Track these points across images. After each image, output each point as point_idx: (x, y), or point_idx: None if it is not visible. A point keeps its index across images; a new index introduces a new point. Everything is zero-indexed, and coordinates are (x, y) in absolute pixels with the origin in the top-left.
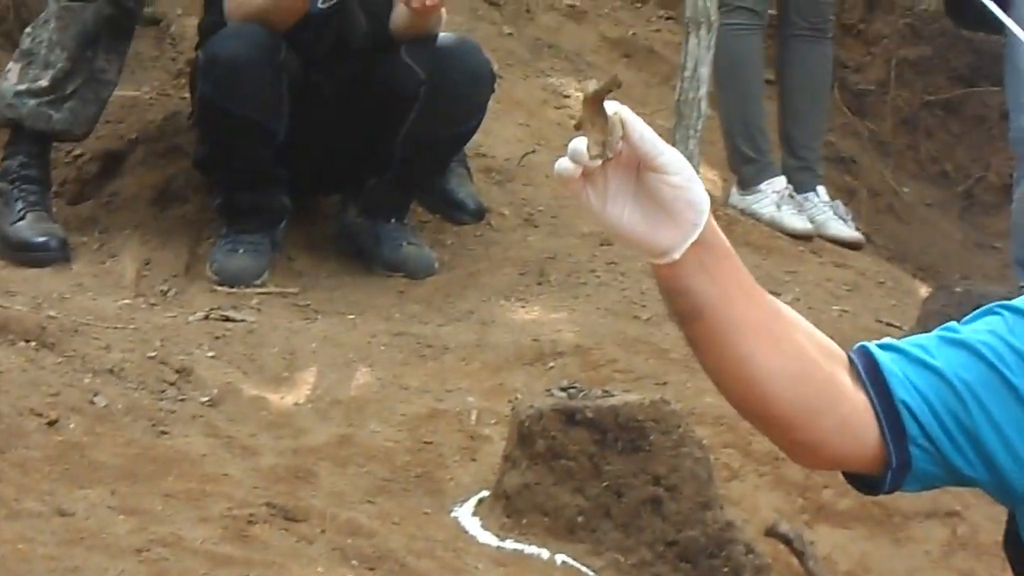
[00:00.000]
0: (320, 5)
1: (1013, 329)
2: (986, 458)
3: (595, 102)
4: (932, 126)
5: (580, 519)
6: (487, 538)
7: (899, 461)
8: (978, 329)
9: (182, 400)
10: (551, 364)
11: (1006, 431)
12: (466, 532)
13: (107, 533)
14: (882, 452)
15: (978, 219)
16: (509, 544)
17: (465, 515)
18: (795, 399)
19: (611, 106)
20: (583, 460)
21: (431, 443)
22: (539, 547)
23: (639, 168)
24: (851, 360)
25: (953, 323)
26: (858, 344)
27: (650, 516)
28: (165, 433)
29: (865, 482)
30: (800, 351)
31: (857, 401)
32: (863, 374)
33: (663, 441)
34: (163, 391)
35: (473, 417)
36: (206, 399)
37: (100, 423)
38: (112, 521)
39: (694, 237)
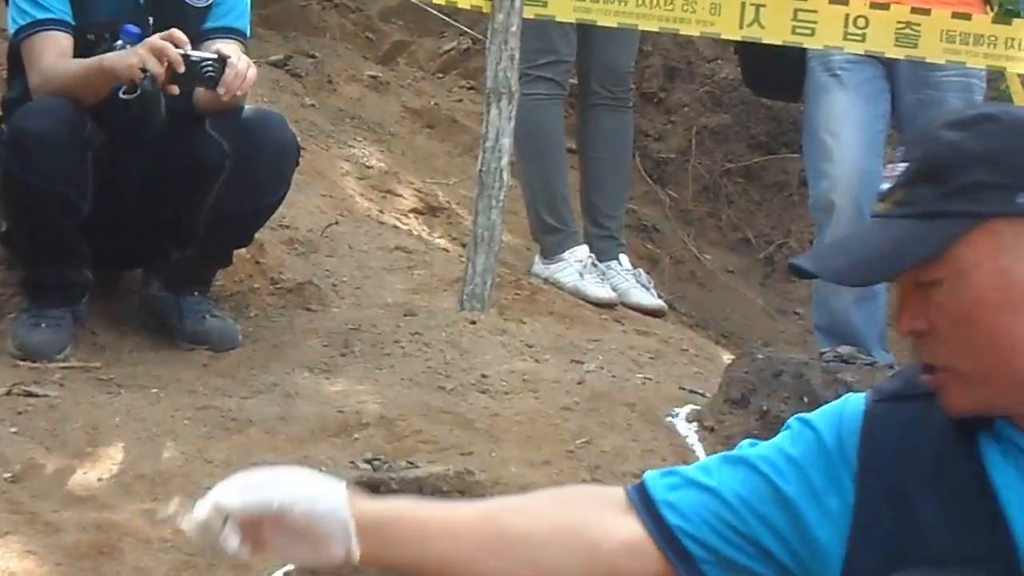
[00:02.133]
0: (120, 95)
1: (796, 439)
2: (768, 555)
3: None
4: (733, 193)
5: None
6: None
7: None
8: (764, 445)
9: None
10: (356, 436)
11: (783, 532)
12: None
13: None
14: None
15: (779, 285)
16: None
17: None
18: None
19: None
20: None
21: None
22: None
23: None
24: (628, 495)
25: (750, 440)
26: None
27: None
28: None
29: None
30: (531, 550)
31: (634, 539)
32: (639, 507)
33: None
34: None
35: None
36: (8, 475)
37: None
38: None
39: (353, 535)
